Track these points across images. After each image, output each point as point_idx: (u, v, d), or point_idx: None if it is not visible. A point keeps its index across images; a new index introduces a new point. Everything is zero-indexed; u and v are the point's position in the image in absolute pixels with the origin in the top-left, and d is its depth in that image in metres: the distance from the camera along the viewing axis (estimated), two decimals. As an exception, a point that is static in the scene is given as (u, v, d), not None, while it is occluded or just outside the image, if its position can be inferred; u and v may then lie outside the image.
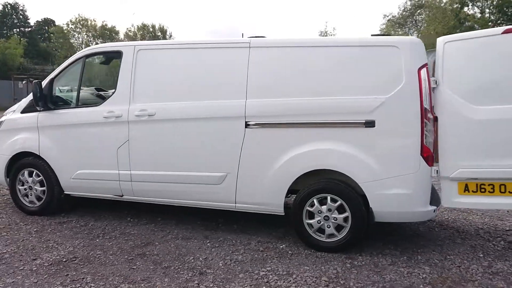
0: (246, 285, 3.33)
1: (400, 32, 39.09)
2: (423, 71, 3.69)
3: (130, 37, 52.56)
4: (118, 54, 4.71)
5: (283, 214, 4.20)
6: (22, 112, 5.11)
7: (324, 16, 78.71)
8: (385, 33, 34.17)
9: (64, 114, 4.87)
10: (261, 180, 4.12)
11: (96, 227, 4.69)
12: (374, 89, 3.81)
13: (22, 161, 5.07)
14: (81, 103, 4.96)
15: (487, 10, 31.21)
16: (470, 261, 3.80)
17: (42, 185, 5.03)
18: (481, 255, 3.93)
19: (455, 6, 32.33)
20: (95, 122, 4.67)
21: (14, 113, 5.23)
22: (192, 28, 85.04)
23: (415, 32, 39.49)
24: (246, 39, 4.26)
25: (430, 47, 4.58)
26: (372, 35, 4.18)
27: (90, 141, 4.72)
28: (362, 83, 3.85)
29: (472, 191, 3.74)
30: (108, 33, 54.53)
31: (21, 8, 61.55)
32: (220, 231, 4.59)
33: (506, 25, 25.21)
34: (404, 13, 40.94)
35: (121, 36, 54.64)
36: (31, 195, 5.09)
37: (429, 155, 3.73)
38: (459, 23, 29.82)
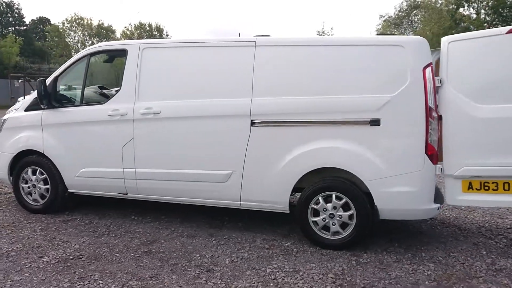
0: (253, 282, 3.36)
1: (396, 33, 39.23)
2: (428, 70, 3.74)
3: (127, 36, 52.36)
4: (123, 53, 4.72)
5: (288, 212, 4.23)
6: (26, 110, 5.11)
7: (321, 16, 78.93)
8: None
9: (68, 112, 4.88)
10: (266, 178, 4.15)
11: (100, 225, 4.70)
12: (380, 87, 3.85)
13: (26, 159, 5.07)
14: (85, 101, 4.95)
15: (483, 11, 31.39)
16: (474, 258, 3.85)
17: (46, 183, 5.03)
18: (484, 252, 3.98)
19: (450, 7, 32.48)
20: (100, 120, 4.68)
21: (17, 111, 5.23)
22: (190, 27, 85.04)
23: (410, 32, 39.63)
24: (251, 38, 4.28)
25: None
26: (377, 34, 4.21)
27: (94, 139, 4.73)
28: (368, 82, 3.89)
29: (476, 189, 3.80)
30: (105, 32, 54.29)
31: (16, 6, 61.28)
32: (225, 229, 4.61)
33: (501, 26, 25.42)
34: (400, 13, 41.16)
35: (118, 35, 54.46)
36: (34, 193, 5.09)
37: (434, 153, 3.78)
38: (455, 24, 29.95)
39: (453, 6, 31.73)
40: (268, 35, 4.40)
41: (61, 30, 52.26)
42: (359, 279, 3.42)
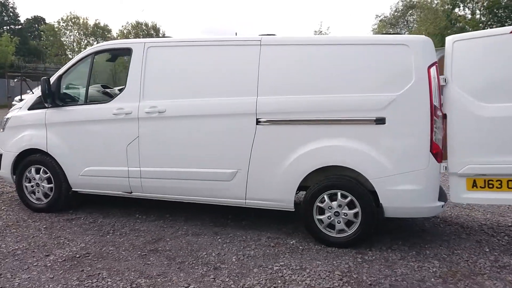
0: (261, 279, 3.38)
1: (392, 33, 39.34)
2: (433, 69, 3.77)
3: (124, 35, 52.19)
4: (127, 51, 4.72)
5: (293, 210, 4.25)
6: (29, 109, 5.09)
7: (318, 16, 78.89)
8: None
9: (72, 111, 4.87)
10: (271, 176, 4.17)
11: (105, 224, 4.70)
12: (385, 86, 3.88)
13: (29, 158, 5.06)
14: (89, 100, 4.95)
15: (478, 11, 31.60)
16: (477, 255, 3.89)
17: (49, 182, 5.02)
18: (487, 250, 4.02)
19: (446, 7, 32.67)
20: (104, 119, 4.68)
21: (20, 110, 5.21)
22: (186, 26, 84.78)
23: (406, 32, 39.81)
24: (257, 37, 4.30)
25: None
26: (383, 33, 4.24)
27: (99, 138, 4.73)
28: (373, 81, 3.92)
29: (480, 187, 3.84)
30: (101, 32, 54.06)
31: (11, 5, 60.88)
32: (229, 227, 4.62)
33: (496, 26, 25.58)
34: (395, 13, 41.38)
35: (114, 34, 54.26)
36: (38, 192, 5.08)
37: (438, 152, 3.81)
38: (451, 24, 30.12)
39: (449, 6, 31.94)
40: (274, 34, 4.42)
41: (56, 30, 51.99)
42: (366, 276, 3.45)
